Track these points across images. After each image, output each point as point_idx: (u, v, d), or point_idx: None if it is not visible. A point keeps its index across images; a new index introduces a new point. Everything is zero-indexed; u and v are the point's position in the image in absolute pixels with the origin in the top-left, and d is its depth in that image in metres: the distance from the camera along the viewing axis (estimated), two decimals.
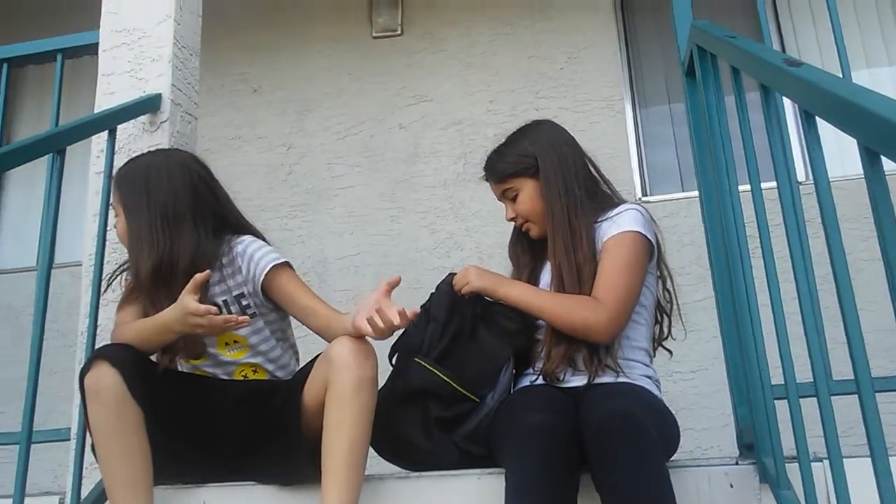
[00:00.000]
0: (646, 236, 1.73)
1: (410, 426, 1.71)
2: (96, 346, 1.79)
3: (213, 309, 1.55)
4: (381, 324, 1.48)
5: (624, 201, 1.85)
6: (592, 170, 1.89)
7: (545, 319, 1.72)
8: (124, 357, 1.56)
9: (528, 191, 1.83)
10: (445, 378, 1.70)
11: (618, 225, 1.74)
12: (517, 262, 1.92)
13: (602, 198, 1.85)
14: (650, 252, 1.76)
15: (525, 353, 1.79)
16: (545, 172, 1.81)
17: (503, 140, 1.92)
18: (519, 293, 1.76)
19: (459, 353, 1.74)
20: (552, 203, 1.79)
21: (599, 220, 1.78)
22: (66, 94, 2.16)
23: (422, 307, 1.81)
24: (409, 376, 1.72)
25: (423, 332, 1.76)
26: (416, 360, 1.73)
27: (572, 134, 1.94)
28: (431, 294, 1.83)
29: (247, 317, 1.60)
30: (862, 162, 0.88)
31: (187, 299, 1.55)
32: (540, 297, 1.74)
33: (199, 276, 1.56)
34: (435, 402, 1.71)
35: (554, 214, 1.78)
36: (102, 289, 1.87)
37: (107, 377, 1.53)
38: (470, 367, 1.73)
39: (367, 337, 1.54)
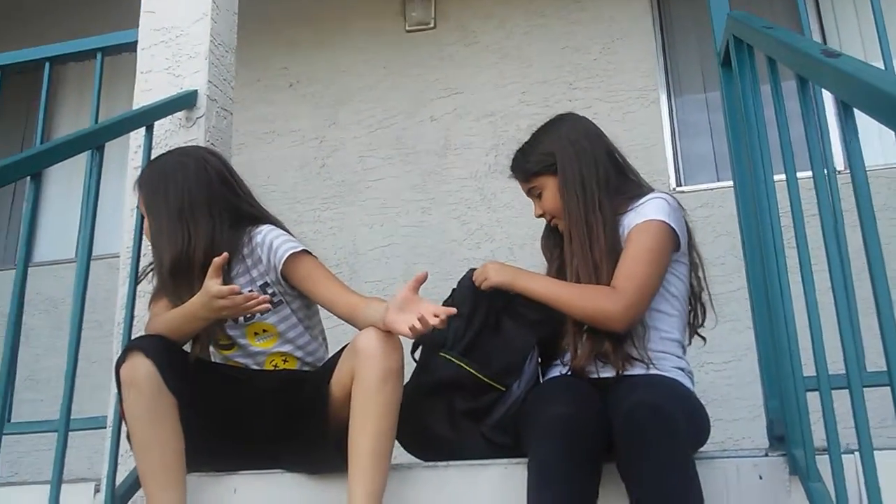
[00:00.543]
0: (669, 225, 1.72)
1: (436, 419, 1.72)
2: (132, 337, 1.83)
3: (236, 288, 1.59)
4: (420, 327, 1.49)
5: (652, 190, 1.83)
6: (620, 160, 1.88)
7: (563, 310, 1.72)
8: (158, 347, 1.60)
9: (551, 188, 1.83)
10: (471, 369, 1.72)
11: (642, 214, 1.73)
12: (548, 257, 1.93)
13: (629, 188, 1.83)
14: (674, 241, 1.74)
15: (552, 342, 1.79)
16: (563, 169, 1.81)
17: (529, 137, 1.92)
18: (537, 285, 1.76)
19: (484, 346, 1.75)
20: (568, 200, 1.79)
21: (625, 210, 1.77)
22: (105, 89, 2.20)
23: (444, 303, 1.83)
24: (435, 370, 1.73)
25: (446, 327, 1.78)
26: (441, 354, 1.75)
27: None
28: (453, 289, 1.85)
29: (267, 296, 1.63)
30: None
31: (210, 283, 1.59)
32: (558, 288, 1.74)
33: (217, 259, 1.60)
34: (460, 394, 1.72)
35: (570, 211, 1.78)
36: (138, 281, 1.91)
37: (142, 367, 1.57)
38: (495, 357, 1.74)
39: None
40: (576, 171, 1.79)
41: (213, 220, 1.76)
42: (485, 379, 1.72)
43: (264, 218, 1.87)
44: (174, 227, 1.74)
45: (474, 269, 1.83)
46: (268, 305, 1.63)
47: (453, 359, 1.74)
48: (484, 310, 1.79)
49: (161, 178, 1.80)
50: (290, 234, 1.84)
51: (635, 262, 1.68)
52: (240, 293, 1.59)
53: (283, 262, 1.75)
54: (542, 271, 1.90)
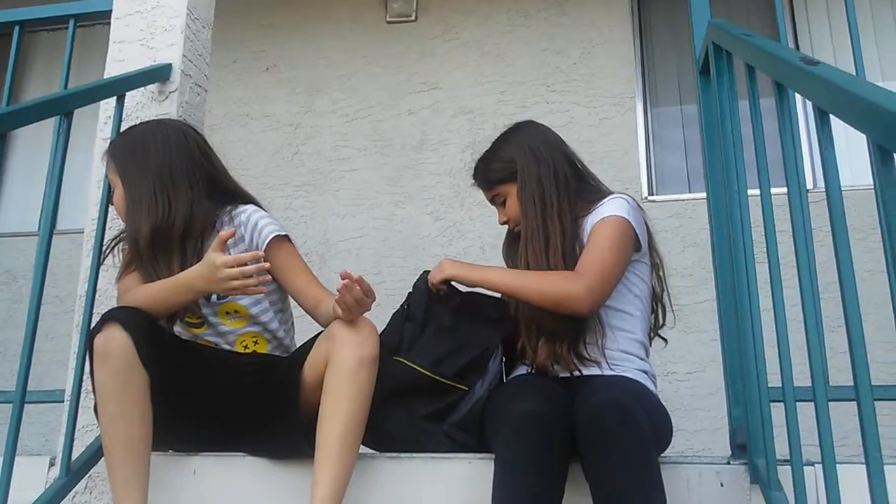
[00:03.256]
0: (628, 221, 1.73)
1: (395, 424, 1.71)
2: (94, 311, 1.79)
3: (245, 257, 1.55)
4: (344, 301, 1.51)
5: (612, 192, 1.84)
6: (579, 166, 1.89)
7: (525, 297, 1.71)
8: (136, 320, 1.56)
9: (513, 195, 1.84)
10: (428, 373, 1.71)
11: (600, 213, 1.75)
12: (510, 265, 1.92)
13: (588, 192, 1.85)
14: (633, 236, 1.75)
15: (516, 342, 1.79)
16: (522, 177, 1.81)
17: (488, 146, 1.93)
18: (496, 276, 1.75)
19: (441, 348, 1.74)
20: (526, 206, 1.79)
21: (586, 213, 1.79)
22: (75, 66, 2.15)
23: (401, 307, 1.82)
24: (391, 376, 1.70)
25: (400, 331, 1.77)
26: (396, 358, 1.74)
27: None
28: (409, 293, 1.84)
29: (266, 265, 1.59)
30: (873, 161, 0.87)
31: (214, 255, 1.56)
32: (517, 276, 1.73)
33: (224, 234, 1.57)
34: (420, 398, 1.71)
35: (527, 217, 1.78)
36: (102, 255, 1.86)
37: (117, 339, 1.52)
38: (455, 358, 1.73)
39: (364, 316, 1.57)
40: (534, 178, 1.80)
41: (191, 190, 1.73)
42: (444, 381, 1.71)
43: (243, 196, 1.84)
44: (154, 195, 1.69)
45: (428, 272, 1.82)
46: (266, 268, 1.58)
47: (408, 363, 1.73)
48: (439, 312, 1.78)
49: (141, 144, 1.76)
50: (271, 216, 1.81)
51: (596, 249, 1.70)
52: (245, 264, 1.55)
53: (266, 243, 1.73)
54: None
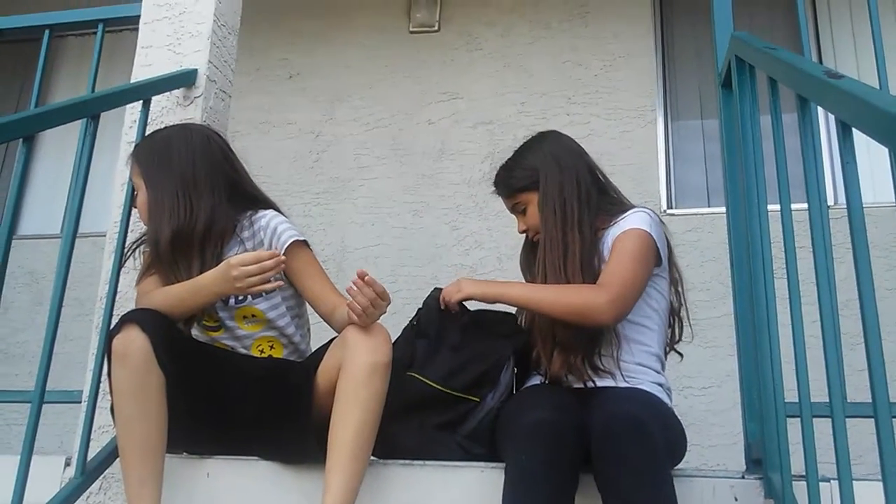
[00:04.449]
0: (651, 234, 1.73)
1: (408, 436, 1.71)
2: (114, 314, 1.81)
3: (263, 255, 1.57)
4: (358, 304, 1.51)
5: (633, 206, 1.84)
6: (601, 177, 1.89)
7: (546, 311, 1.70)
8: (154, 322, 1.58)
9: (534, 204, 1.84)
10: (440, 387, 1.71)
11: (622, 226, 1.75)
12: (527, 277, 1.92)
13: (610, 204, 1.85)
14: (655, 250, 1.75)
15: (529, 353, 1.79)
16: (544, 186, 1.81)
17: (511, 154, 1.93)
18: (516, 291, 1.75)
19: (454, 362, 1.74)
20: (546, 215, 1.79)
21: (607, 226, 1.79)
22: (101, 71, 2.16)
23: (410, 322, 1.82)
24: (403, 390, 1.71)
25: (412, 347, 1.78)
26: (409, 373, 1.74)
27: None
28: (419, 309, 1.84)
29: (283, 258, 1.61)
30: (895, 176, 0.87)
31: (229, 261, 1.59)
32: (538, 290, 1.73)
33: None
34: (432, 410, 1.72)
35: (547, 226, 1.78)
36: (124, 257, 1.89)
37: (135, 341, 1.54)
38: (467, 370, 1.73)
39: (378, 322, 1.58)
40: (556, 187, 1.80)
41: (213, 194, 1.75)
42: (456, 393, 1.71)
43: (264, 201, 1.86)
44: (177, 199, 1.72)
45: (440, 289, 1.82)
46: (282, 262, 1.61)
47: (422, 378, 1.73)
48: (451, 328, 1.78)
49: (165, 148, 1.78)
50: (290, 221, 1.83)
51: (618, 262, 1.70)
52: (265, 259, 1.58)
53: (285, 248, 1.75)
54: None
